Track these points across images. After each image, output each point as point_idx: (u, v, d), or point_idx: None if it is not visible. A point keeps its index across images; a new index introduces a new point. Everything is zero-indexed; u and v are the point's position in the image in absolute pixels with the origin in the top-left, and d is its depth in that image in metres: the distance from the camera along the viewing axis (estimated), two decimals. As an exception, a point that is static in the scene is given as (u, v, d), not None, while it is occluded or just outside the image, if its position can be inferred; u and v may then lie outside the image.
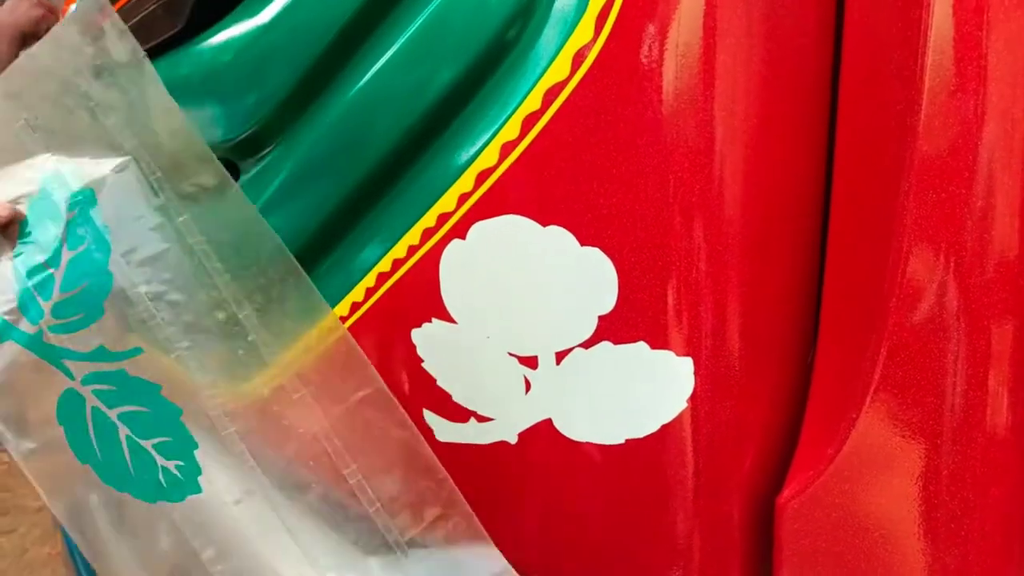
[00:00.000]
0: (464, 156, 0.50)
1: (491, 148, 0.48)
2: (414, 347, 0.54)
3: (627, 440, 0.47)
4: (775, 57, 0.43)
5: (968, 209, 0.41)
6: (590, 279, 0.46)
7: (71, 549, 1.56)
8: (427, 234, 0.51)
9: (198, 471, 0.47)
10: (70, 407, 0.48)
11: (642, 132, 0.42)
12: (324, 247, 0.60)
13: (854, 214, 0.45)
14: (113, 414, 0.47)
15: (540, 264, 0.47)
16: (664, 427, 0.46)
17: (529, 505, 0.53)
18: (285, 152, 0.63)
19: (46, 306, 0.46)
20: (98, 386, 0.47)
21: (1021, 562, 0.45)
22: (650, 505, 0.48)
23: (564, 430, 0.49)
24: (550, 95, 0.44)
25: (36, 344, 0.47)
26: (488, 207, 0.48)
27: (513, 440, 0.51)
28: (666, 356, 0.45)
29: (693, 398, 0.46)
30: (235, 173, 0.71)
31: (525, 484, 0.51)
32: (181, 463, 0.47)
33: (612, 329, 0.46)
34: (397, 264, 0.53)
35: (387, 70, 0.54)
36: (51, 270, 0.46)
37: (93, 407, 0.48)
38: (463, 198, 0.50)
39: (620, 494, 0.48)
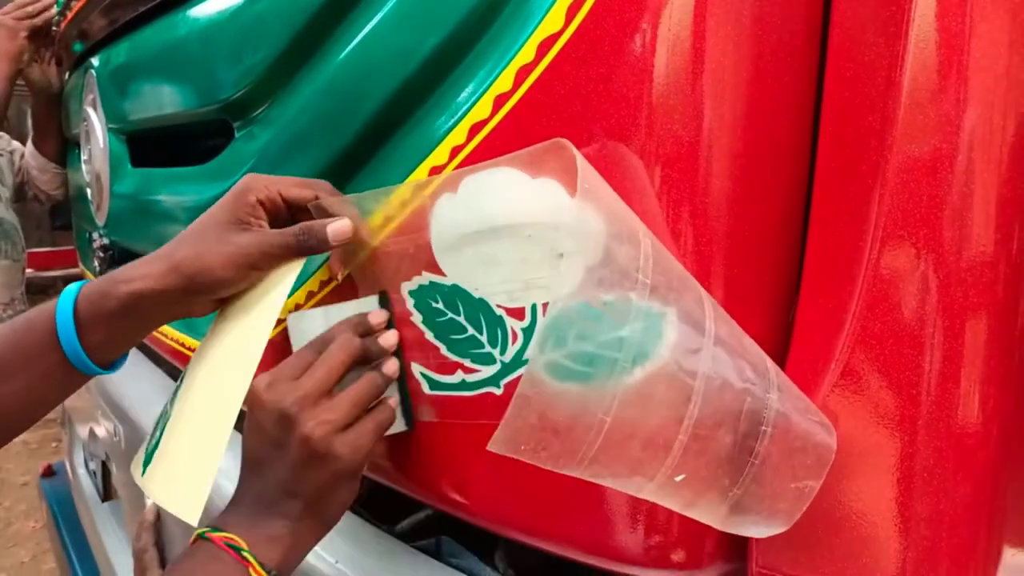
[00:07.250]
0: (458, 110, 0.51)
1: (484, 100, 0.49)
2: (404, 300, 0.55)
3: (611, 389, 0.48)
4: (765, 37, 0.44)
5: (946, 205, 0.42)
6: (579, 230, 0.47)
7: (56, 522, 1.55)
8: (419, 188, 0.52)
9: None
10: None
11: (633, 84, 0.44)
12: (316, 204, 0.61)
13: (835, 206, 0.46)
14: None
15: (530, 216, 0.48)
16: (646, 377, 0.47)
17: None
18: (278, 112, 0.64)
19: None
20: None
21: (987, 553, 0.46)
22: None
23: (548, 379, 0.49)
24: (544, 47, 0.46)
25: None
26: (480, 159, 0.49)
27: (499, 391, 0.51)
28: (650, 307, 0.46)
29: (675, 349, 0.47)
30: (229, 132, 0.71)
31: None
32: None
33: (598, 280, 0.47)
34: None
35: (380, 28, 0.55)
36: None
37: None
38: (455, 151, 0.51)
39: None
